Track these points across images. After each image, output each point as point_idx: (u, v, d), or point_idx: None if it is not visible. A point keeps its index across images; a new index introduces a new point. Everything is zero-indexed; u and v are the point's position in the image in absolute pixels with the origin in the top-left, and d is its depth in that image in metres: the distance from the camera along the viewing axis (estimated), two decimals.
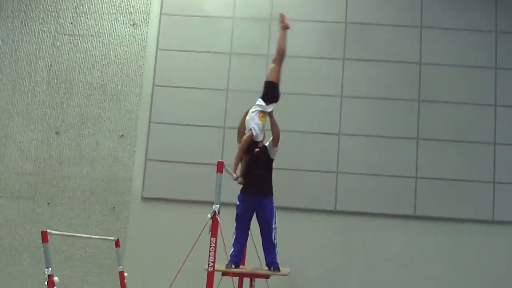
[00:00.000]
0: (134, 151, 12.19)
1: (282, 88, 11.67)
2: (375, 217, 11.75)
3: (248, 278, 9.44)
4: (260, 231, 8.66)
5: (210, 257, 7.47)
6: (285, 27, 9.20)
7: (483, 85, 12.01)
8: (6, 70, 12.62)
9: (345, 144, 11.95)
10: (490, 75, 11.99)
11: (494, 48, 12.07)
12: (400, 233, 11.71)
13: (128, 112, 12.32)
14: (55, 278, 6.77)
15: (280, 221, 9.09)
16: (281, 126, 8.86)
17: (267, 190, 8.71)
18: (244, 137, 8.68)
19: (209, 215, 7.51)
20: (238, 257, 8.57)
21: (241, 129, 8.93)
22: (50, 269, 6.79)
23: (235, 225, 8.66)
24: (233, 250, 8.54)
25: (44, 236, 6.86)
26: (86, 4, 12.71)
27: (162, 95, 12.26)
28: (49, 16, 12.73)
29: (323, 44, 12.31)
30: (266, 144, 8.86)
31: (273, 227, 8.65)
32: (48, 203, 12.17)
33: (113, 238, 9.78)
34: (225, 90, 12.17)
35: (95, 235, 11.53)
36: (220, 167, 7.67)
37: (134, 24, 12.60)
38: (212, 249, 7.48)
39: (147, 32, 12.53)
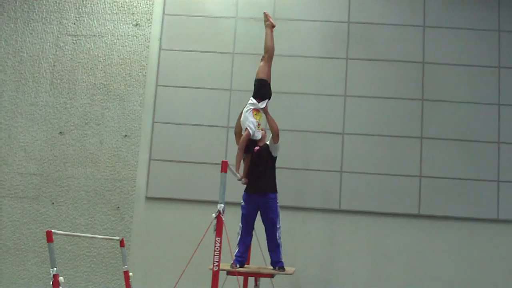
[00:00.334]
0: (138, 151, 12.19)
1: (286, 87, 11.78)
2: (380, 216, 11.74)
3: (253, 278, 9.45)
4: (265, 231, 8.68)
5: (215, 256, 7.48)
6: (270, 26, 9.24)
7: (487, 84, 11.99)
8: (9, 71, 12.63)
9: (349, 143, 11.94)
10: (494, 74, 11.99)
11: (498, 47, 12.06)
12: (405, 232, 11.71)
13: (131, 112, 12.33)
14: (60, 278, 6.80)
15: (285, 221, 9.12)
16: (285, 126, 8.89)
17: (271, 189, 8.72)
18: (242, 137, 8.69)
19: (213, 215, 7.53)
20: (243, 257, 8.60)
21: (238, 131, 8.96)
22: (55, 269, 6.81)
23: (240, 224, 8.67)
24: (238, 250, 8.57)
25: (49, 236, 6.88)
26: (89, 5, 12.72)
27: (166, 95, 12.26)
28: (52, 17, 12.74)
29: (327, 43, 12.30)
30: (267, 142, 8.87)
31: (278, 226, 8.67)
32: (53, 203, 12.18)
33: (117, 238, 9.81)
34: (229, 90, 12.17)
35: (100, 235, 11.56)
36: (224, 166, 7.68)
37: (137, 25, 12.60)
38: (217, 248, 7.49)
39: (150, 33, 12.54)
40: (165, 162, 12.06)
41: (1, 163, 12.36)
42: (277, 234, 8.64)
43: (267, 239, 8.67)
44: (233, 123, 9.65)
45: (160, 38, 12.46)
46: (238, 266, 8.44)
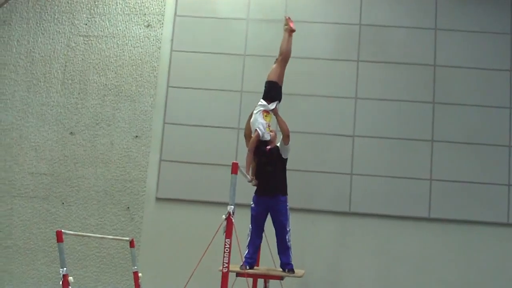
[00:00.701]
0: (149, 152, 12.21)
1: (297, 89, 11.78)
2: (390, 219, 11.71)
3: (262, 279, 9.45)
4: (275, 233, 8.67)
5: (225, 258, 7.49)
6: (289, 30, 9.20)
7: (498, 88, 11.96)
8: (21, 71, 12.67)
9: (360, 146, 11.93)
10: (505, 78, 11.95)
11: (509, 50, 12.02)
12: (414, 235, 11.68)
13: (142, 113, 12.35)
14: (70, 278, 6.82)
15: (294, 223, 9.11)
16: (295, 128, 8.88)
17: (281, 191, 8.70)
18: (251, 139, 8.69)
19: (223, 216, 7.53)
20: (252, 259, 8.60)
21: (248, 133, 8.96)
22: (65, 268, 6.84)
23: (250, 226, 8.67)
24: (248, 252, 8.56)
25: (59, 236, 6.91)
26: (100, 5, 12.75)
27: (177, 96, 12.28)
28: (64, 17, 12.78)
29: (338, 46, 12.29)
30: (278, 144, 8.86)
31: (287, 229, 8.65)
32: (63, 203, 12.21)
33: (127, 238, 9.82)
34: (239, 92, 12.18)
35: (110, 235, 11.58)
36: (234, 168, 7.69)
37: (148, 26, 12.62)
38: (227, 250, 7.50)
39: (161, 34, 12.55)
40: (175, 163, 12.07)
41: (12, 163, 12.40)
42: (287, 237, 8.62)
43: (277, 241, 8.66)
44: (243, 125, 9.66)
45: (172, 39, 12.48)
46: (247, 267, 8.43)
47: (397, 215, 11.71)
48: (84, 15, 12.76)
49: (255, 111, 8.82)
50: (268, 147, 8.74)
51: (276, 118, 8.85)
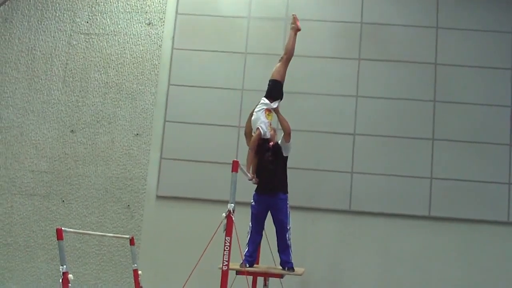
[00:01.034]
0: (149, 150, 12.21)
1: (298, 87, 11.77)
2: (390, 217, 11.72)
3: (262, 278, 9.45)
4: (275, 231, 8.67)
5: (225, 256, 7.48)
6: (295, 29, 9.19)
7: (499, 86, 11.95)
8: (22, 69, 12.67)
9: (360, 144, 11.93)
10: (506, 76, 11.94)
11: (511, 49, 12.01)
12: (415, 233, 11.68)
13: (143, 111, 12.35)
14: (70, 276, 6.80)
15: (295, 221, 9.11)
16: (296, 126, 8.87)
17: (281, 189, 8.70)
18: (253, 137, 8.68)
19: (224, 214, 7.52)
20: (252, 257, 8.59)
21: (248, 132, 8.93)
22: (64, 266, 6.82)
23: (250, 224, 8.67)
24: (248, 250, 8.55)
25: (59, 234, 6.89)
26: (102, 3, 12.75)
27: (178, 94, 12.28)
28: (65, 15, 12.78)
29: (339, 44, 12.29)
30: (279, 142, 8.85)
31: (288, 227, 8.64)
32: (63, 201, 12.21)
33: (127, 236, 9.81)
34: (240, 90, 12.17)
35: (110, 233, 11.57)
36: (235, 166, 7.68)
37: (150, 23, 12.62)
38: (227, 248, 7.49)
39: (162, 32, 12.55)
40: (176, 161, 12.07)
41: (12, 160, 12.40)
42: (287, 235, 8.61)
43: (277, 240, 8.65)
44: (244, 123, 9.64)
45: (173, 37, 12.48)
46: (247, 265, 8.43)
47: (397, 213, 11.71)
48: (85, 13, 12.76)
49: (257, 109, 8.80)
50: (271, 143, 8.75)
51: (278, 116, 8.84)
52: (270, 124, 8.77)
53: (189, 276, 8.15)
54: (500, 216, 11.59)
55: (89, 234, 11.68)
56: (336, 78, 12.16)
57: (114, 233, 11.54)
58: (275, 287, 10.22)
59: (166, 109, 12.26)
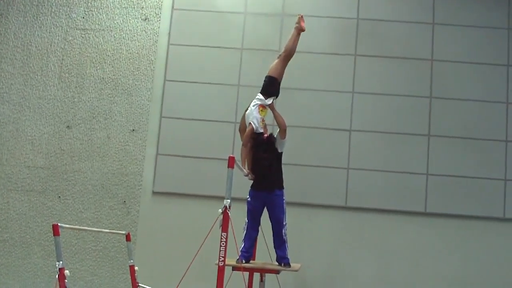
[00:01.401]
0: (145, 146, 12.20)
1: (293, 83, 11.77)
2: (386, 213, 11.73)
3: (259, 273, 9.46)
4: (271, 227, 8.68)
5: (221, 251, 7.48)
6: (298, 29, 9.17)
7: (495, 82, 11.96)
8: (18, 64, 12.65)
9: (356, 140, 11.93)
10: (502, 72, 11.95)
11: (507, 45, 12.02)
12: (411, 229, 11.69)
13: (139, 106, 12.34)
14: (66, 272, 6.81)
15: (291, 217, 9.12)
16: (292, 122, 8.87)
17: (277, 185, 8.72)
18: (245, 133, 8.68)
19: (220, 210, 7.53)
20: (248, 253, 8.61)
21: (243, 128, 8.95)
22: (61, 262, 6.83)
23: (246, 220, 8.68)
24: (244, 246, 8.58)
25: (55, 230, 6.90)
26: None
27: (174, 89, 12.27)
28: (61, 11, 12.75)
29: (335, 40, 12.28)
30: (275, 135, 8.85)
31: (284, 223, 8.66)
32: (59, 197, 12.20)
33: (123, 232, 9.82)
34: (237, 86, 12.17)
35: (106, 229, 11.56)
36: (231, 162, 7.68)
37: (146, 19, 12.60)
38: (223, 244, 7.49)
39: (158, 27, 12.54)
40: (172, 157, 12.06)
41: (8, 156, 12.38)
42: (283, 231, 8.63)
43: (273, 236, 8.67)
44: (240, 119, 9.65)
45: (169, 33, 12.47)
46: (243, 261, 8.44)
47: (393, 210, 11.71)
48: (81, 9, 12.73)
49: (252, 105, 8.82)
50: (266, 135, 8.76)
51: (273, 112, 8.85)
52: (263, 120, 8.77)
53: (186, 272, 8.15)
54: (496, 212, 11.60)
55: (85, 230, 11.69)
56: (332, 74, 12.15)
57: (110, 229, 11.52)
58: (271, 282, 10.25)
59: (162, 105, 12.25)
